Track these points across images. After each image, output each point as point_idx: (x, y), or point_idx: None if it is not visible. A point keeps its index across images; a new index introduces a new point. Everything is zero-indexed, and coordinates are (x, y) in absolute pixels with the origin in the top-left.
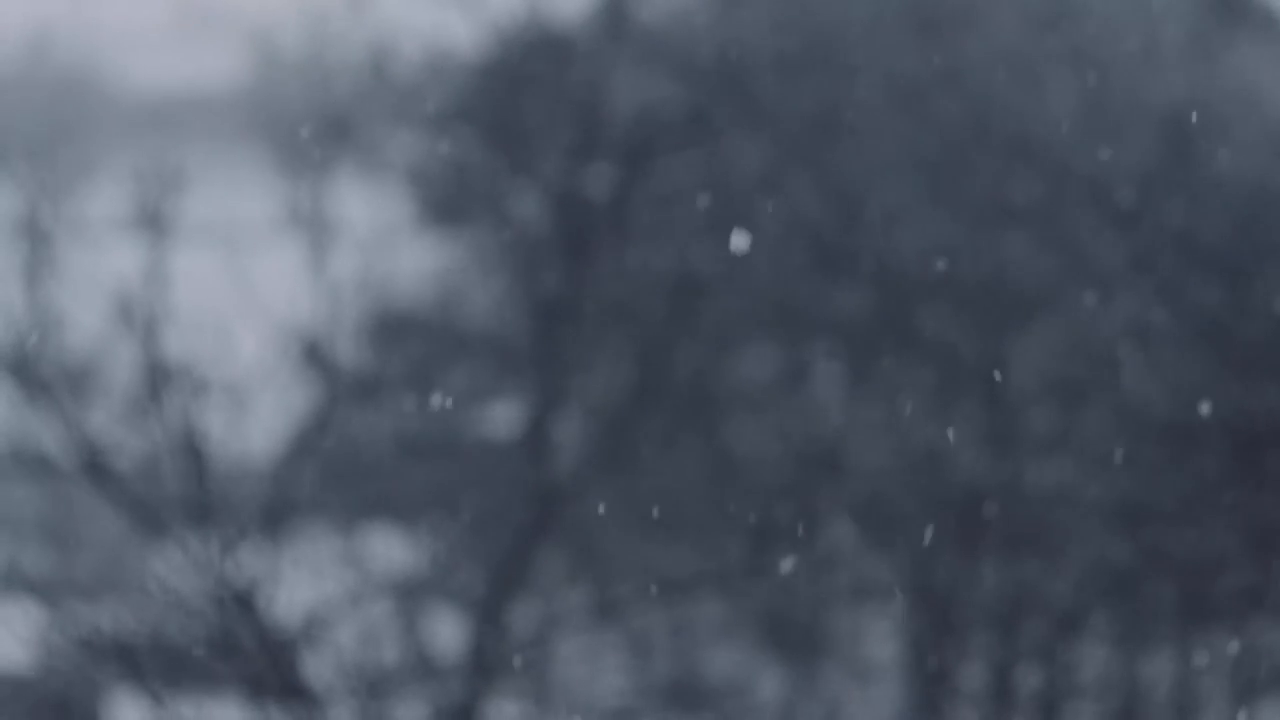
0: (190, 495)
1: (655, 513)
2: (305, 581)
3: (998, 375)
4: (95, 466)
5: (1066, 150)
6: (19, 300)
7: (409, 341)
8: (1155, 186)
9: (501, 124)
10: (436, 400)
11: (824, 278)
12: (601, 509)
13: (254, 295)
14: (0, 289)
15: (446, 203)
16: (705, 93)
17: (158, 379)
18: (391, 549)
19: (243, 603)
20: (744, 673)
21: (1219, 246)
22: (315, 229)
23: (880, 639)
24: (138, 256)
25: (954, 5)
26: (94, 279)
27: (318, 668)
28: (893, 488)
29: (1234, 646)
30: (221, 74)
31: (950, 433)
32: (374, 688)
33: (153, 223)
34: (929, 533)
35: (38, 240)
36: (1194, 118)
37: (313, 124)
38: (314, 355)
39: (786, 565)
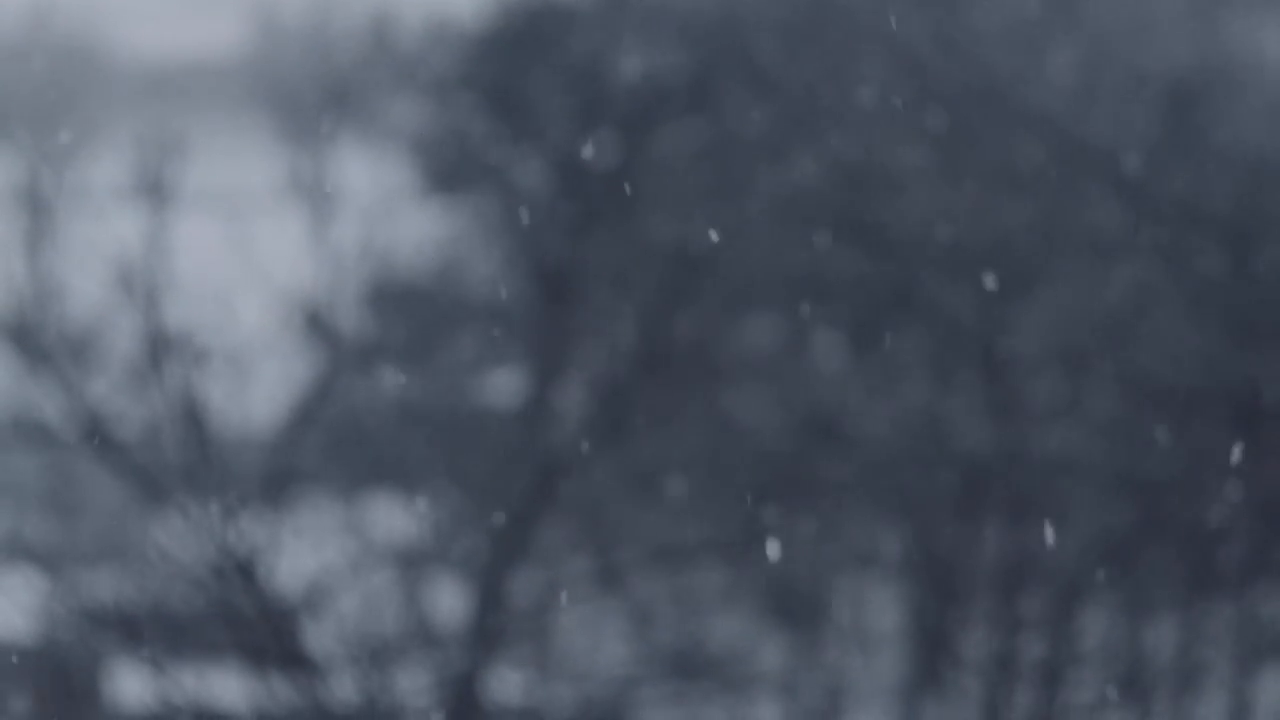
0: (192, 464)
1: (657, 481)
2: (306, 550)
3: (1000, 344)
4: (97, 435)
5: (1069, 118)
6: (21, 268)
7: (410, 310)
8: (1158, 154)
9: (504, 92)
10: (438, 368)
11: (826, 246)
12: (603, 478)
13: (255, 264)
14: (2, 257)
15: (448, 171)
16: (708, 61)
17: (159, 348)
18: (393, 518)
19: (244, 571)
20: (746, 641)
21: (1221, 214)
22: (317, 197)
23: (882, 607)
24: (139, 225)
25: None
26: (96, 247)
27: (319, 636)
28: (895, 456)
29: (1235, 614)
30: (223, 42)
31: (953, 401)
32: (375, 656)
33: (154, 191)
34: (931, 501)
35: (39, 208)
36: (1196, 86)
37: (315, 92)
38: (315, 324)
39: (787, 534)
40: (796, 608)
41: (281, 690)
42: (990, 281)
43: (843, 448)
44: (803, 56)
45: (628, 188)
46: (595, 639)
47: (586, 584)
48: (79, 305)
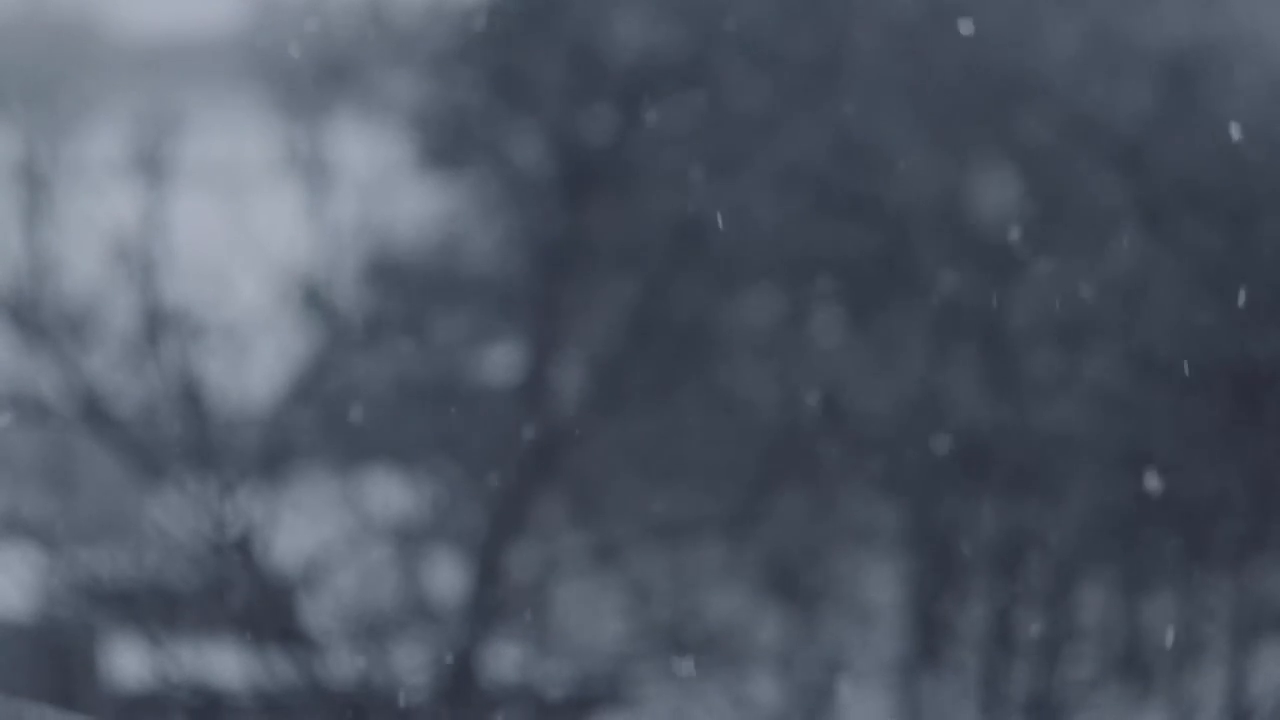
0: (189, 440)
1: (655, 457)
2: (304, 526)
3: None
4: (93, 411)
5: (1068, 92)
6: (17, 244)
7: (408, 285)
8: (1157, 129)
9: (502, 67)
10: (436, 344)
11: (825, 221)
12: (601, 454)
13: (253, 239)
14: None
15: (446, 146)
16: (706, 35)
17: (156, 323)
18: (390, 493)
19: (241, 548)
20: (744, 616)
21: (1221, 189)
22: (314, 173)
23: (881, 583)
24: (136, 200)
25: None
26: (92, 223)
27: (316, 613)
28: (893, 431)
29: (1235, 591)
30: (220, 17)
31: (951, 376)
32: (372, 632)
33: (151, 166)
34: (929, 477)
35: (36, 184)
36: (1196, 59)
37: (312, 67)
38: (313, 299)
39: (787, 509)
40: (794, 583)
41: (278, 666)
42: (990, 257)
43: (841, 423)
44: (801, 29)
45: (626, 162)
46: (593, 614)
47: (584, 559)
48: (75, 281)
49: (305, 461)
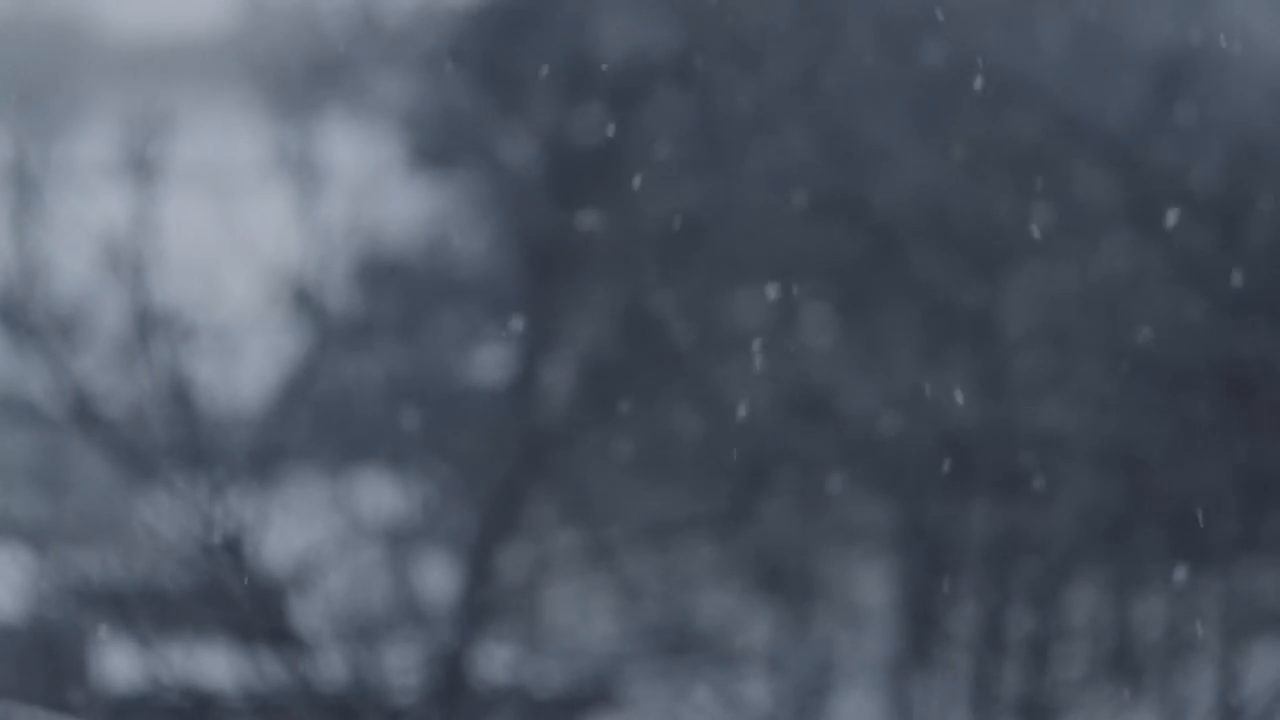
0: (179, 441)
1: (646, 457)
2: (294, 527)
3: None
4: (84, 412)
5: (1060, 92)
6: (7, 245)
7: (399, 286)
8: (1149, 128)
9: (492, 67)
10: (426, 344)
11: (816, 221)
12: (592, 454)
13: (243, 240)
14: None
15: (437, 147)
16: (697, 34)
17: (146, 324)
18: (381, 494)
19: (231, 549)
20: (735, 617)
21: (1213, 189)
22: (304, 173)
23: (872, 583)
24: (126, 201)
25: None
26: (82, 224)
27: (306, 613)
28: (884, 431)
29: (1225, 590)
30: (210, 17)
31: (942, 376)
32: (363, 634)
33: (141, 167)
34: (921, 477)
35: (26, 186)
36: (1188, 60)
37: (302, 68)
38: (303, 300)
39: (778, 509)
40: (785, 584)
41: (269, 667)
42: (980, 256)
43: (832, 423)
44: (791, 31)
45: (617, 162)
46: (584, 615)
47: (575, 560)
48: (66, 282)
49: (296, 462)
